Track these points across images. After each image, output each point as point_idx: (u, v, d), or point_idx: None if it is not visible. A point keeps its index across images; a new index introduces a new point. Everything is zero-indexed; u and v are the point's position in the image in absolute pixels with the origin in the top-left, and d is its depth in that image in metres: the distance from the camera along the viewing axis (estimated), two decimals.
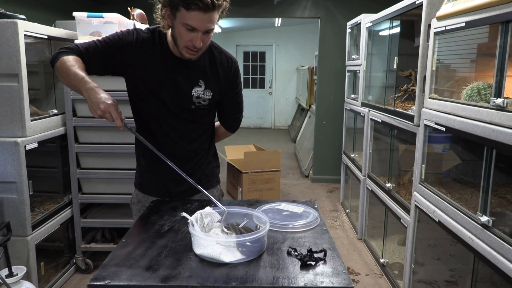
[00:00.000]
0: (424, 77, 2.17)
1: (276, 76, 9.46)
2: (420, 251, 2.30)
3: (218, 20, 1.33)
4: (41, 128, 2.35)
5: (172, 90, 1.45)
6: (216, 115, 1.67)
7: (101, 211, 2.90)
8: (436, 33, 2.03)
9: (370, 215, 3.25)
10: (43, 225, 2.37)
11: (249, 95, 9.60)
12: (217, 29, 8.20)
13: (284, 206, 1.47)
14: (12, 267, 2.00)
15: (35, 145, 2.27)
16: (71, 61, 1.29)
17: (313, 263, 1.07)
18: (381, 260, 2.84)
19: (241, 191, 3.93)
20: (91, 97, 1.21)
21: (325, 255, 1.10)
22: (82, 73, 1.26)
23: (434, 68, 2.09)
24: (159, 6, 1.35)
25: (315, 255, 1.09)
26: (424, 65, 2.18)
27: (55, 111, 2.54)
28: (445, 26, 1.93)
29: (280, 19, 7.49)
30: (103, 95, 1.22)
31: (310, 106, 6.80)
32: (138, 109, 1.53)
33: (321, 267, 1.06)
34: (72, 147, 2.61)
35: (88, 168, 2.66)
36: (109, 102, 1.21)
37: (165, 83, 1.44)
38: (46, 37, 2.38)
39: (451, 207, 1.85)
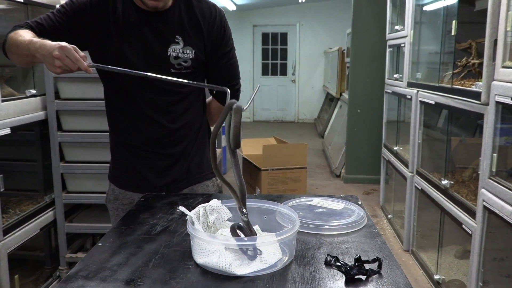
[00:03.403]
0: (495, 41, 1.93)
1: (300, 61, 9.35)
2: (487, 266, 2.07)
3: None
4: (15, 111, 2.22)
5: (143, 52, 1.37)
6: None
7: (90, 213, 2.79)
8: None
9: (419, 221, 3.06)
10: (18, 229, 2.24)
11: (268, 84, 9.53)
12: (231, 6, 8.07)
13: (317, 201, 1.28)
14: None
15: (7, 131, 2.14)
16: (18, 33, 1.28)
17: (363, 277, 0.86)
18: (436, 277, 2.62)
19: (259, 192, 3.77)
20: (43, 53, 1.15)
21: (379, 266, 0.89)
22: (29, 38, 1.22)
23: (509, 29, 1.84)
24: None
25: (366, 266, 0.88)
26: (495, 25, 1.94)
27: (33, 91, 2.42)
28: None
29: None
30: (54, 43, 1.15)
31: (340, 95, 6.75)
32: (107, 87, 1.48)
33: (375, 283, 0.85)
34: (54, 135, 2.50)
35: (74, 161, 2.57)
36: (62, 44, 1.13)
37: (133, 44, 1.36)
38: (22, 0, 2.24)
39: None
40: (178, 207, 1.06)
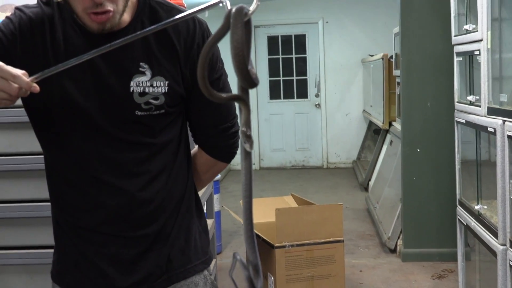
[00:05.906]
0: None
1: (327, 76, 9.47)
2: None
3: None
4: None
5: (95, 90, 1.43)
6: (191, 133, 1.65)
7: None
8: None
9: None
10: None
11: (281, 111, 9.64)
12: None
13: None
14: None
15: None
16: None
17: None
18: None
19: (273, 282, 3.77)
20: None
21: None
22: None
23: None
24: None
25: None
26: None
27: None
28: None
29: None
30: None
31: (390, 125, 6.80)
32: (42, 139, 1.52)
33: None
34: None
35: None
36: None
37: (81, 80, 1.42)
38: None
39: None
40: None
